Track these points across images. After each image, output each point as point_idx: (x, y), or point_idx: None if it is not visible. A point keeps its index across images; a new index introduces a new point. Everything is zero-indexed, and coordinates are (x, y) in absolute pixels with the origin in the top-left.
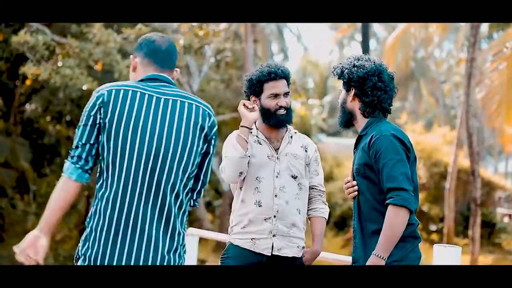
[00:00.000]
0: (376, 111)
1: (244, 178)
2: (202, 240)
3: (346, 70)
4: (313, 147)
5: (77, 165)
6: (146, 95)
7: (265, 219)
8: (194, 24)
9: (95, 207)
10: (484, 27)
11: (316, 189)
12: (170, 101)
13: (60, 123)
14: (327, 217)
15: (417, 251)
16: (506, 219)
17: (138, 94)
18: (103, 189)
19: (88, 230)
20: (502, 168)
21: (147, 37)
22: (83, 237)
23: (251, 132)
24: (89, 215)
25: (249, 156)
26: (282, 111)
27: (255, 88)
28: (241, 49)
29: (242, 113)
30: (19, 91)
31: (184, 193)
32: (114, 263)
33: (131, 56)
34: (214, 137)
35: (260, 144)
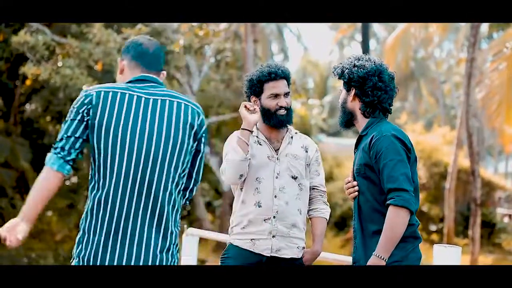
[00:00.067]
0: (377, 111)
1: (244, 179)
2: (202, 240)
3: (347, 70)
4: (314, 147)
5: (59, 155)
6: (135, 97)
7: (264, 220)
8: (194, 24)
9: (87, 208)
10: (484, 27)
11: (317, 189)
12: (159, 101)
13: (60, 123)
14: (328, 218)
15: (418, 251)
16: (506, 219)
17: (127, 96)
18: (95, 191)
19: (81, 232)
20: (502, 168)
21: (134, 39)
22: (76, 239)
23: (251, 133)
24: (82, 217)
25: (249, 159)
26: (282, 111)
27: (256, 88)
28: (241, 49)
29: (243, 115)
30: (19, 91)
31: (177, 192)
32: (107, 264)
33: (118, 59)
34: (204, 135)
35: (260, 144)
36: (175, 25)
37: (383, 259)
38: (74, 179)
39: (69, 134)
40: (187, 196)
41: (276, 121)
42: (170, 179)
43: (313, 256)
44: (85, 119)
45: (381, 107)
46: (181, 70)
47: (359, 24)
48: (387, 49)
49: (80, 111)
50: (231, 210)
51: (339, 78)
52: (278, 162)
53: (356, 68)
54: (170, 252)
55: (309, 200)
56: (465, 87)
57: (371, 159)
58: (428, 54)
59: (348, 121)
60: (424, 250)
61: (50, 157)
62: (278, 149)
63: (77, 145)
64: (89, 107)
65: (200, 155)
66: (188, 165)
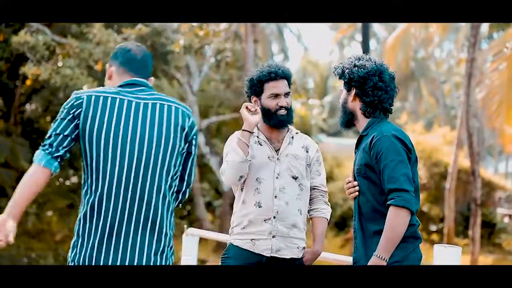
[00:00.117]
0: (377, 111)
1: (244, 180)
2: (202, 240)
3: (347, 70)
4: (315, 147)
5: (47, 151)
6: (125, 101)
7: (264, 220)
8: (194, 24)
9: (81, 213)
10: (484, 27)
11: (318, 189)
12: (150, 105)
13: None
14: (328, 218)
15: (418, 251)
16: (506, 219)
17: (117, 100)
18: (88, 195)
19: (75, 236)
20: (502, 168)
21: (122, 46)
22: (71, 243)
23: (252, 134)
24: (76, 221)
25: (249, 160)
26: (283, 111)
27: (256, 88)
28: (241, 49)
29: (244, 116)
30: (19, 91)
31: (170, 194)
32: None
33: (106, 65)
34: (194, 137)
35: (261, 145)
36: (175, 25)
37: (383, 259)
38: (74, 179)
39: (58, 131)
40: (180, 198)
41: (276, 121)
42: (163, 182)
43: (314, 256)
44: (75, 120)
45: (381, 107)
46: (181, 70)
47: (359, 24)
48: (387, 49)
49: (71, 112)
50: (231, 210)
51: (340, 78)
52: (278, 162)
53: (356, 68)
54: (165, 255)
55: (310, 200)
56: (465, 87)
57: (371, 160)
58: (428, 54)
59: (348, 121)
60: (424, 250)
61: (38, 153)
62: (279, 149)
63: (66, 143)
64: (79, 110)
65: (191, 157)
66: (180, 168)
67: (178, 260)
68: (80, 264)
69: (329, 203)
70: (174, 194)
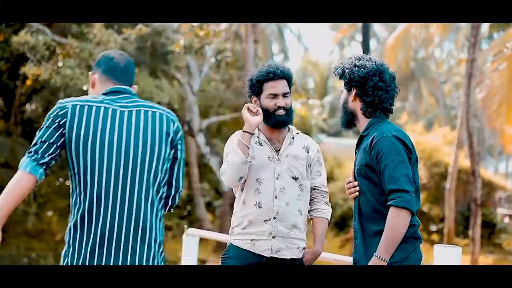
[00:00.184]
0: (378, 111)
1: (244, 180)
2: (202, 240)
3: (347, 70)
4: (315, 147)
5: (32, 158)
6: (110, 109)
7: (265, 221)
8: (195, 24)
9: (71, 222)
10: (485, 27)
11: (318, 189)
12: (134, 112)
13: None
14: (329, 218)
15: (418, 252)
16: (506, 220)
17: (102, 109)
18: (77, 205)
19: (66, 245)
20: (503, 169)
21: (105, 54)
22: (62, 253)
23: (252, 135)
24: (66, 231)
25: (249, 161)
26: (281, 112)
27: (255, 88)
28: (242, 50)
29: (245, 117)
30: (19, 91)
31: (158, 200)
32: None
33: (89, 73)
34: (180, 142)
35: (261, 145)
36: (175, 25)
37: (384, 260)
38: None
39: (43, 139)
40: (170, 203)
41: (274, 121)
42: (151, 189)
43: (314, 256)
44: (61, 129)
45: (382, 107)
46: (182, 70)
47: (359, 24)
48: (387, 49)
49: (56, 120)
50: (231, 210)
51: (340, 78)
52: (278, 162)
53: (357, 68)
54: (156, 261)
55: (311, 200)
56: (466, 88)
57: (372, 160)
58: (429, 54)
59: (349, 121)
60: (424, 250)
61: (23, 160)
62: (279, 149)
63: (51, 150)
64: (64, 119)
65: (178, 162)
66: (168, 174)
67: (178, 260)
68: None
69: (329, 204)
70: (163, 200)
